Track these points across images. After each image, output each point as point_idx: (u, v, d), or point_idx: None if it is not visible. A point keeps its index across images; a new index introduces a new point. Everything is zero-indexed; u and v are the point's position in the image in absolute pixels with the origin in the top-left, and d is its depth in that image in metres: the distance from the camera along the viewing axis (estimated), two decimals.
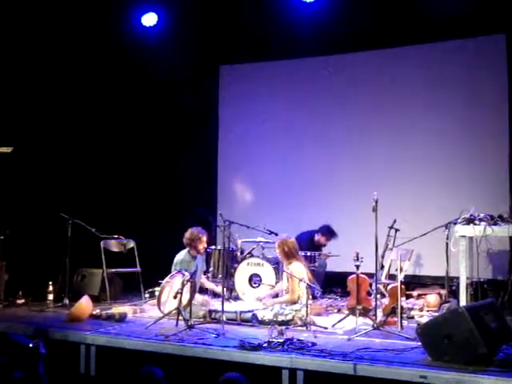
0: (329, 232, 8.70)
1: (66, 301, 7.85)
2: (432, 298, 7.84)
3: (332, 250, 8.86)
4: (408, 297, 8.09)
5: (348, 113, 9.61)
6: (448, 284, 7.56)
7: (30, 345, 4.18)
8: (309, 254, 8.20)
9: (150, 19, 9.54)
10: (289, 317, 6.79)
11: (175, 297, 6.55)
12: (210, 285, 7.93)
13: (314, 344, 5.72)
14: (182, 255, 7.50)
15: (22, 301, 8.03)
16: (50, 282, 8.09)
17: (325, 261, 8.65)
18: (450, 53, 8.92)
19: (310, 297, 6.92)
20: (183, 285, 6.51)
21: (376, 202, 6.41)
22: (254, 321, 6.84)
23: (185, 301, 6.60)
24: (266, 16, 9.21)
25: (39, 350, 4.19)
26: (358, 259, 6.47)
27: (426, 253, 8.65)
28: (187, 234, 7.54)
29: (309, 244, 8.60)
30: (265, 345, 5.62)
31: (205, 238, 7.56)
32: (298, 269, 7.02)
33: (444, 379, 4.79)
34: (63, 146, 9.28)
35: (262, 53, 9.93)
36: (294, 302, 6.90)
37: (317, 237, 8.73)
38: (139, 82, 10.01)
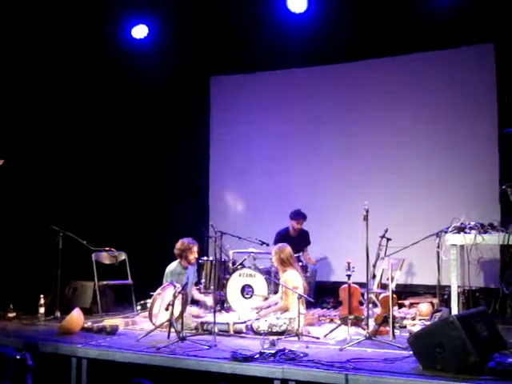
0: (294, 213, 8.75)
1: (58, 313, 7.83)
2: (424, 306, 7.84)
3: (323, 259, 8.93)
4: (400, 306, 8.09)
5: (338, 123, 9.64)
6: (440, 293, 7.58)
7: (17, 357, 4.16)
8: (300, 264, 8.19)
9: (140, 31, 9.54)
10: (283, 327, 6.79)
11: (167, 309, 6.54)
12: (199, 296, 7.90)
13: (305, 354, 5.71)
14: (173, 266, 7.49)
15: (13, 314, 7.94)
16: (42, 295, 8.01)
17: (315, 268, 8.66)
18: (439, 62, 8.97)
19: (304, 306, 6.94)
20: (175, 297, 6.49)
21: (367, 212, 6.43)
22: (249, 332, 6.84)
23: (176, 313, 6.58)
24: (256, 27, 9.23)
25: (26, 361, 4.18)
26: (349, 269, 6.50)
27: (418, 262, 8.66)
28: (178, 245, 7.53)
29: (285, 236, 8.64)
30: (256, 356, 5.60)
31: (195, 249, 7.55)
32: (293, 276, 7.05)
33: None
34: (55, 158, 9.25)
35: (253, 64, 9.96)
36: (286, 309, 6.90)
37: (289, 224, 8.76)
38: (130, 94, 10.01)
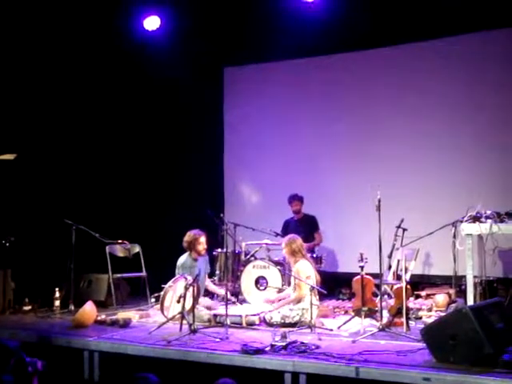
0: (288, 197, 8.88)
1: (72, 307, 7.85)
2: (441, 297, 7.71)
3: (339, 249, 8.93)
4: (417, 297, 7.99)
5: (354, 111, 9.48)
6: (457, 283, 7.46)
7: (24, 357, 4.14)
8: (315, 255, 8.12)
9: (152, 23, 9.45)
10: (296, 318, 6.75)
11: (178, 301, 6.52)
12: (214, 288, 7.85)
13: (317, 347, 5.66)
14: (183, 259, 7.45)
15: (29, 307, 8.01)
16: (57, 289, 8.05)
17: None
18: (462, 47, 8.69)
19: (317, 297, 6.87)
20: (186, 289, 6.46)
21: (379, 202, 6.33)
22: (262, 324, 6.80)
23: (188, 305, 6.54)
24: (269, 17, 9.12)
25: (36, 366, 4.16)
26: (362, 260, 6.41)
27: (435, 252, 8.53)
28: (185, 238, 7.49)
29: (291, 222, 8.80)
30: (267, 348, 5.56)
31: (203, 239, 7.48)
32: (305, 267, 6.97)
33: (448, 381, 4.70)
34: (67, 151, 9.26)
35: (266, 54, 9.83)
36: (300, 300, 6.83)
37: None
38: (143, 86, 9.99)
